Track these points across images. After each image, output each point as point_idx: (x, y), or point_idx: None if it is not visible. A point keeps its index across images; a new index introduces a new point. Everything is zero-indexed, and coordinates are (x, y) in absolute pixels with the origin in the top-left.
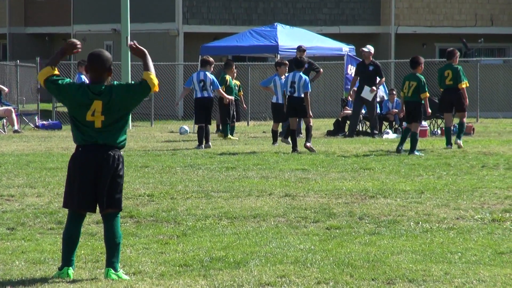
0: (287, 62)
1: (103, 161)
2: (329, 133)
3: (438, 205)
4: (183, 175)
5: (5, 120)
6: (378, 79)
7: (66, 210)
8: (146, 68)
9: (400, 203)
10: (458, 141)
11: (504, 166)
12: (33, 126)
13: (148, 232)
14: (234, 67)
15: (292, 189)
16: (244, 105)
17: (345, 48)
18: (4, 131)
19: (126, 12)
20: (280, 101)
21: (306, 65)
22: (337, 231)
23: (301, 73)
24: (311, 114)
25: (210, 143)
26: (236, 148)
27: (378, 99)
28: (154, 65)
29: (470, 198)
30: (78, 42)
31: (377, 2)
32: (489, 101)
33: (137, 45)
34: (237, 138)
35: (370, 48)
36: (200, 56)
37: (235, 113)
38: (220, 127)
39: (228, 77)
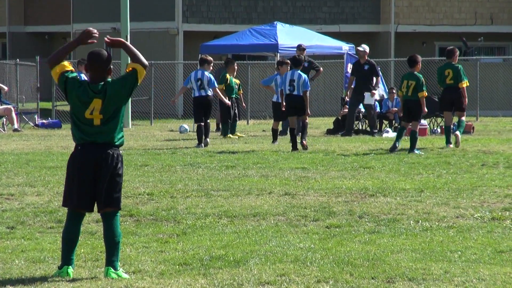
0: (288, 61)
1: (102, 160)
2: (329, 132)
3: (438, 204)
4: (183, 174)
5: (4, 119)
6: (375, 78)
7: (66, 209)
8: (133, 59)
9: (400, 201)
10: (457, 132)
11: (504, 165)
12: (32, 125)
13: (148, 231)
14: (235, 65)
15: (292, 188)
16: (244, 104)
17: (345, 47)
18: (4, 130)
19: (126, 11)
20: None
21: (305, 64)
22: (337, 229)
23: (300, 72)
24: (309, 112)
25: (208, 140)
26: (236, 147)
27: (378, 98)
28: (154, 64)
29: (470, 196)
30: (95, 31)
31: (377, 0)
32: (489, 99)
33: (112, 38)
34: (244, 135)
35: (365, 48)
36: (199, 55)
37: (236, 111)
38: (220, 126)
39: (228, 75)
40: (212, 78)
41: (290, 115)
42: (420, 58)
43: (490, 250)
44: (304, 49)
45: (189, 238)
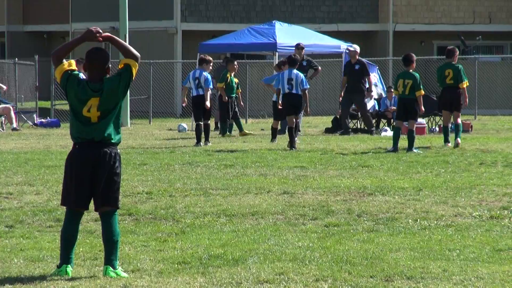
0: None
1: (100, 158)
2: (328, 131)
3: (436, 203)
4: (181, 173)
5: (3, 118)
6: (372, 78)
7: (65, 208)
8: (124, 53)
9: (398, 200)
10: (458, 139)
11: (502, 164)
12: (31, 124)
13: (147, 229)
14: (235, 63)
15: (290, 187)
16: (242, 103)
17: (344, 46)
18: (3, 129)
19: (125, 10)
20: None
21: (304, 63)
22: (336, 228)
23: (296, 71)
24: (309, 110)
25: (209, 143)
26: (235, 146)
27: (376, 97)
28: (152, 63)
29: (468, 195)
30: (99, 30)
31: None
32: (487, 98)
33: (102, 35)
34: (252, 132)
35: (356, 47)
36: (198, 54)
37: (236, 109)
38: (219, 125)
39: (229, 74)
40: (209, 78)
41: (289, 114)
42: (415, 57)
43: (489, 249)
44: (302, 48)
45: (187, 237)
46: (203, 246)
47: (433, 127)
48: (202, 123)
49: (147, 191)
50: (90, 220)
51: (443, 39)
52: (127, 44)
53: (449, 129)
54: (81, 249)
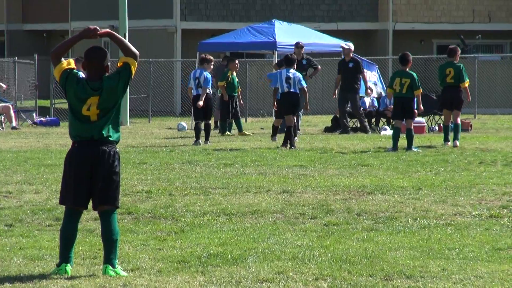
0: None
1: (99, 157)
2: (327, 130)
3: (435, 202)
4: (181, 172)
5: (3, 117)
6: (371, 77)
7: (64, 207)
8: (123, 50)
9: (397, 199)
10: (456, 142)
11: (502, 163)
12: (31, 122)
13: (146, 228)
14: (236, 61)
15: (290, 186)
16: (241, 102)
17: (343, 45)
18: (2, 128)
19: (124, 9)
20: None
21: (304, 62)
22: (335, 227)
23: (293, 70)
24: (308, 107)
25: (209, 142)
26: (234, 145)
27: (375, 95)
28: (152, 61)
29: (467, 194)
30: (98, 28)
31: None
32: (487, 97)
33: (100, 32)
34: (251, 134)
35: (350, 45)
36: (198, 53)
37: (238, 109)
38: (218, 124)
39: (230, 73)
40: (209, 77)
41: (287, 113)
42: (411, 56)
43: (488, 248)
44: (302, 47)
45: (187, 235)
46: (202, 245)
47: (433, 126)
48: (200, 122)
49: (147, 190)
50: (90, 219)
51: (442, 38)
52: (126, 41)
53: (449, 128)
54: (80, 248)
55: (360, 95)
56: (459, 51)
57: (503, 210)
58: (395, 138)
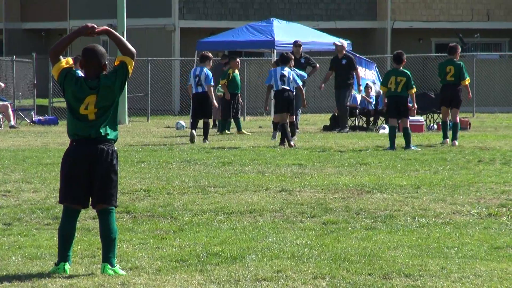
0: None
1: (97, 155)
2: (326, 128)
3: (434, 200)
4: (179, 170)
5: (1, 116)
6: (370, 75)
7: (62, 206)
8: (120, 48)
9: (396, 198)
10: (455, 142)
11: (501, 161)
12: (29, 121)
13: (145, 227)
14: (237, 59)
15: (288, 184)
16: (240, 100)
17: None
18: (1, 127)
19: (123, 8)
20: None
21: (302, 60)
22: (334, 226)
23: (287, 68)
24: (305, 104)
25: (207, 141)
26: (233, 143)
27: (374, 94)
28: (150, 60)
29: (466, 193)
30: (95, 26)
31: None
32: (485, 96)
33: (97, 30)
34: (249, 134)
35: (343, 42)
36: (196, 51)
37: (239, 108)
38: (217, 122)
39: (231, 71)
40: (210, 75)
41: (281, 111)
42: (405, 55)
43: (487, 246)
44: (300, 46)
45: (185, 234)
46: (201, 243)
47: (431, 125)
48: (196, 119)
49: (145, 188)
50: (88, 217)
51: (441, 37)
52: (124, 39)
53: (448, 125)
54: (79, 247)
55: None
56: (460, 49)
57: (501, 208)
58: (392, 137)
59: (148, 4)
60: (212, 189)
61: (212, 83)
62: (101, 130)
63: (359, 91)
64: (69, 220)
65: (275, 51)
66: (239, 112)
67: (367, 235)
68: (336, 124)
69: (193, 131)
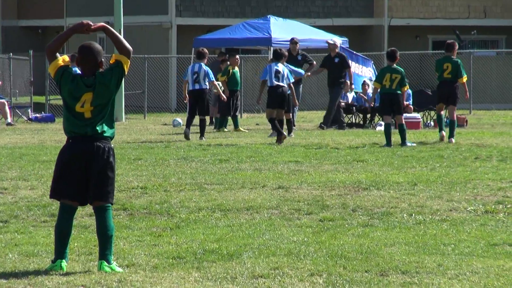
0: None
1: (93, 152)
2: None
3: (431, 197)
4: (176, 168)
5: None
6: (367, 72)
7: (59, 203)
8: (116, 45)
9: (393, 195)
10: (452, 139)
11: (497, 158)
12: (26, 119)
13: (141, 224)
14: (237, 56)
15: (285, 181)
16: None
17: (338, 41)
18: None
19: (119, 5)
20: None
21: (299, 57)
22: (330, 223)
23: (281, 64)
24: (297, 102)
25: (204, 138)
26: (229, 141)
27: (371, 91)
28: (147, 57)
29: (463, 190)
30: (91, 23)
31: None
32: (482, 93)
33: (93, 27)
34: (246, 131)
35: (335, 41)
36: (193, 49)
37: (238, 105)
38: (214, 119)
39: (231, 68)
40: (210, 71)
41: (274, 107)
42: (399, 52)
43: (484, 243)
44: (297, 43)
45: (182, 231)
46: (198, 241)
47: (428, 122)
48: (192, 116)
49: (142, 186)
50: (85, 215)
51: (438, 34)
52: (120, 36)
53: (444, 122)
54: (75, 244)
55: (355, 90)
56: (457, 46)
57: (498, 205)
58: (388, 134)
59: (145, 2)
60: (209, 186)
61: (214, 79)
62: (97, 128)
63: (351, 89)
64: (65, 217)
65: (272, 48)
66: (237, 109)
67: (364, 232)
68: (333, 121)
69: (187, 129)
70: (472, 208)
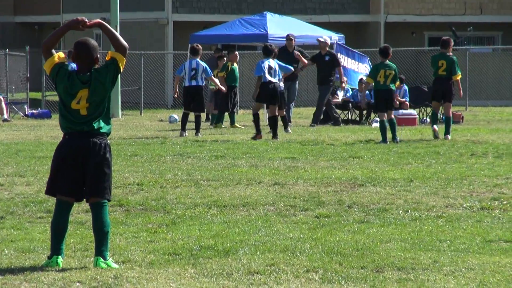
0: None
1: (90, 148)
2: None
3: (427, 193)
4: (172, 164)
5: None
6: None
7: (55, 199)
8: (112, 42)
9: (389, 191)
10: (448, 136)
11: (493, 155)
12: (22, 115)
13: (138, 220)
14: (236, 52)
15: (281, 178)
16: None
17: (335, 37)
18: None
19: (116, 1)
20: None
21: (295, 54)
22: (326, 219)
23: (272, 60)
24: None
25: (200, 134)
26: (226, 137)
27: (368, 88)
28: (144, 54)
29: (459, 186)
30: (86, 19)
31: None
32: (478, 89)
33: (89, 23)
34: (242, 127)
35: (326, 39)
36: (189, 45)
37: (235, 100)
38: (210, 116)
39: (230, 64)
40: (208, 67)
41: (270, 103)
42: (391, 49)
43: (479, 240)
44: (293, 39)
45: (178, 228)
46: (194, 237)
47: (424, 118)
48: (188, 112)
49: (138, 182)
50: (81, 211)
51: (434, 30)
52: (116, 32)
53: (439, 119)
54: (71, 240)
55: (352, 86)
56: (452, 43)
57: (494, 202)
58: (383, 130)
59: None
60: (205, 182)
61: (212, 75)
62: (94, 124)
63: (342, 88)
64: (61, 214)
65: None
66: (235, 106)
67: (360, 228)
68: (329, 118)
69: (183, 131)
70: (468, 204)
